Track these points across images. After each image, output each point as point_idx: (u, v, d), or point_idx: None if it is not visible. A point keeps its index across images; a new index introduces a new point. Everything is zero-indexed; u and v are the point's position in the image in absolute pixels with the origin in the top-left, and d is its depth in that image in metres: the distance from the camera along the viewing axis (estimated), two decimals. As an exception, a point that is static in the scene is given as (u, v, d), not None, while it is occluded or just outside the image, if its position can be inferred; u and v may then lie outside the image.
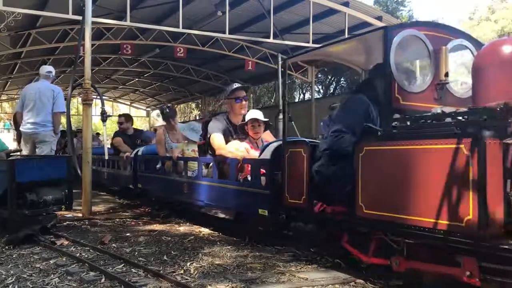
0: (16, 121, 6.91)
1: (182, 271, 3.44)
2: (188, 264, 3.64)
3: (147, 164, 6.67)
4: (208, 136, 4.96)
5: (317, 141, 4.00)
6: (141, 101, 27.21)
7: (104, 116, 6.77)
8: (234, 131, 5.01)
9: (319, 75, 21.70)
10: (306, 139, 3.86)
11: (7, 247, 4.34)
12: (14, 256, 4.05)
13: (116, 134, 8.24)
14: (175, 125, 6.48)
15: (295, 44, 11.88)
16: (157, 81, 21.53)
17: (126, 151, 7.47)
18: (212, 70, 18.12)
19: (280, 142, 4.05)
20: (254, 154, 4.55)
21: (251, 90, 20.70)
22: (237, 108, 5.04)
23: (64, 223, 5.56)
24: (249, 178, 4.42)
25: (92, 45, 7.54)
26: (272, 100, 25.39)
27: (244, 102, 5.07)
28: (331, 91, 23.60)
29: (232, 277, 3.25)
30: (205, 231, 5.15)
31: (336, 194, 3.32)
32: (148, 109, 28.91)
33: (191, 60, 16.39)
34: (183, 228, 5.34)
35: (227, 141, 4.83)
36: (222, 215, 5.87)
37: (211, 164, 5.13)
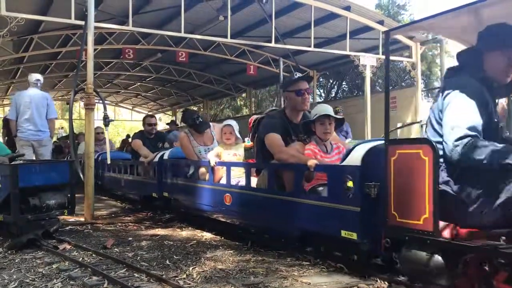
0: (9, 128, 7.19)
1: (184, 276, 3.44)
2: (191, 268, 3.64)
3: (175, 170, 5.95)
4: (262, 136, 4.23)
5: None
6: (143, 106, 27.20)
7: (106, 121, 6.81)
8: (294, 131, 4.22)
9: (321, 79, 21.71)
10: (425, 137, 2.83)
11: (9, 252, 4.35)
12: (16, 260, 4.05)
13: (135, 136, 7.47)
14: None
15: (296, 48, 11.89)
16: (159, 86, 21.54)
17: (146, 156, 6.81)
18: (214, 74, 18.13)
19: (372, 144, 3.30)
20: (326, 159, 3.83)
21: (253, 94, 20.70)
22: (299, 102, 4.22)
23: (67, 228, 5.57)
24: (321, 190, 3.66)
25: (94, 49, 7.55)
26: (274, 104, 25.39)
27: (307, 96, 4.23)
28: (333, 95, 23.59)
29: (235, 282, 3.24)
30: (207, 235, 5.14)
31: (479, 215, 2.50)
32: (150, 113, 28.91)
33: (193, 65, 16.41)
34: (186, 233, 5.34)
35: (286, 143, 4.12)
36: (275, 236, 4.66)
37: (262, 172, 4.34)
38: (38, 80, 7.27)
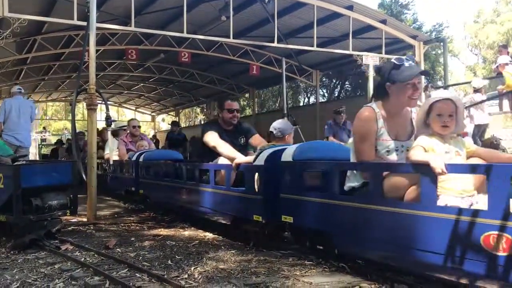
0: None
1: (186, 276, 3.43)
2: (193, 268, 3.63)
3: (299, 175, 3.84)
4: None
5: None
6: (146, 106, 27.28)
7: (108, 121, 6.83)
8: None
9: (324, 79, 21.68)
10: None
11: (12, 252, 4.35)
12: (19, 261, 4.06)
13: (208, 127, 5.17)
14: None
15: (299, 48, 11.89)
16: (162, 86, 21.60)
17: (229, 156, 4.68)
18: (217, 74, 18.16)
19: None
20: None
21: (256, 94, 20.71)
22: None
23: (69, 228, 5.58)
24: None
25: (97, 50, 7.60)
26: (277, 104, 25.39)
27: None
28: (336, 94, 23.56)
29: (237, 282, 3.23)
30: (209, 235, 5.14)
31: None
32: (153, 113, 28.98)
33: (196, 65, 16.44)
34: (188, 233, 5.33)
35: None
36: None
37: None
38: (20, 89, 8.34)
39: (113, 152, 8.60)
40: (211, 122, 6.08)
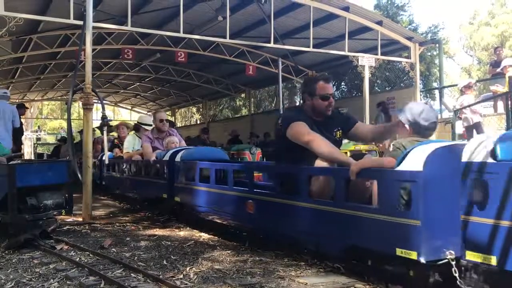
0: None
1: (181, 276, 3.44)
2: (188, 269, 3.64)
3: None
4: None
5: None
6: (142, 106, 27.21)
7: (104, 121, 6.82)
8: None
9: (320, 80, 21.72)
10: None
11: (7, 252, 4.35)
12: (13, 260, 4.05)
13: (294, 117, 3.81)
14: None
15: (295, 48, 11.91)
16: (158, 86, 21.55)
17: (319, 149, 3.51)
18: (213, 74, 18.13)
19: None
20: None
21: (252, 94, 20.71)
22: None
23: (64, 228, 5.57)
24: None
25: (93, 50, 7.57)
26: (273, 105, 25.40)
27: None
28: (332, 95, 23.63)
29: (232, 282, 3.24)
30: (205, 235, 5.14)
31: None
32: (149, 113, 28.90)
33: (192, 65, 16.42)
34: (183, 233, 5.34)
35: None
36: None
37: None
38: (6, 92, 8.18)
39: (131, 150, 7.53)
40: (296, 109, 4.65)
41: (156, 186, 6.19)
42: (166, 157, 5.91)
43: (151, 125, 7.38)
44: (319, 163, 3.50)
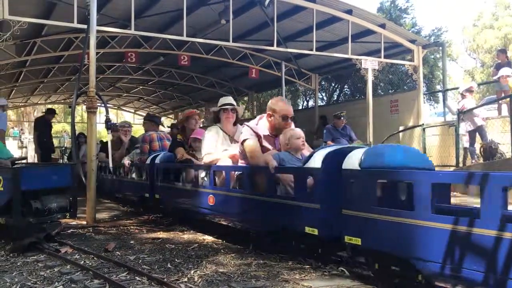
0: None
1: (186, 279, 3.44)
2: (192, 272, 3.64)
3: None
4: None
5: None
6: (145, 109, 27.24)
7: (108, 124, 6.83)
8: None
9: (323, 83, 21.70)
10: None
11: (11, 255, 4.36)
12: (18, 264, 4.06)
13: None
14: None
15: (298, 51, 11.92)
16: (161, 89, 21.58)
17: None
18: (216, 77, 18.16)
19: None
20: None
21: (255, 97, 20.72)
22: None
23: (69, 231, 5.58)
24: None
25: (97, 53, 7.60)
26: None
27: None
28: (335, 98, 23.59)
29: (236, 285, 3.24)
30: (209, 238, 5.14)
31: None
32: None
33: (195, 68, 16.44)
34: (187, 236, 5.34)
35: None
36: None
37: None
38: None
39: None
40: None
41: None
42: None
43: (233, 105, 5.55)
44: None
